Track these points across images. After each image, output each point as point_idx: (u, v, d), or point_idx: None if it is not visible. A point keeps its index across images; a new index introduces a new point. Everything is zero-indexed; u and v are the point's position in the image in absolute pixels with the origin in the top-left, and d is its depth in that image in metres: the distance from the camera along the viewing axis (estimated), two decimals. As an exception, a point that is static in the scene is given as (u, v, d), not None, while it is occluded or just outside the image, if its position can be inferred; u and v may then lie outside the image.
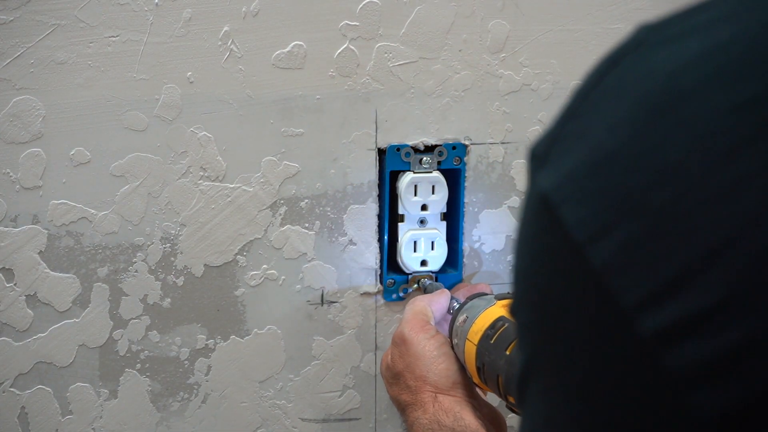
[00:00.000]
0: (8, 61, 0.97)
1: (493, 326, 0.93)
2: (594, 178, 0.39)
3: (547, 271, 0.41)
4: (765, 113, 0.36)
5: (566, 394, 0.41)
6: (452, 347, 0.99)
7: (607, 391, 0.39)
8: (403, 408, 0.98)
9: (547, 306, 0.41)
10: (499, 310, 0.95)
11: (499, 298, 0.97)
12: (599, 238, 0.38)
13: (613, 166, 0.39)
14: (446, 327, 1.02)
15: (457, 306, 1.01)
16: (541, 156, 0.42)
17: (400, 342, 0.99)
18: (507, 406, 0.91)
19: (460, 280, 1.13)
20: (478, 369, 0.93)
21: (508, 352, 0.89)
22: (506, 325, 0.92)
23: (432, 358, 0.97)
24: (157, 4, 0.99)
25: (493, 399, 1.00)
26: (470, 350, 0.94)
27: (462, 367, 0.98)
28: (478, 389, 0.98)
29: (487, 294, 1.01)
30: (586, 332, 0.39)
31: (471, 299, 1.00)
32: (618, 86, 0.40)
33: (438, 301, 1.03)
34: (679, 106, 0.38)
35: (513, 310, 0.45)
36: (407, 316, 1.01)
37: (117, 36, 0.99)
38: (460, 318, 0.98)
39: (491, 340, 0.92)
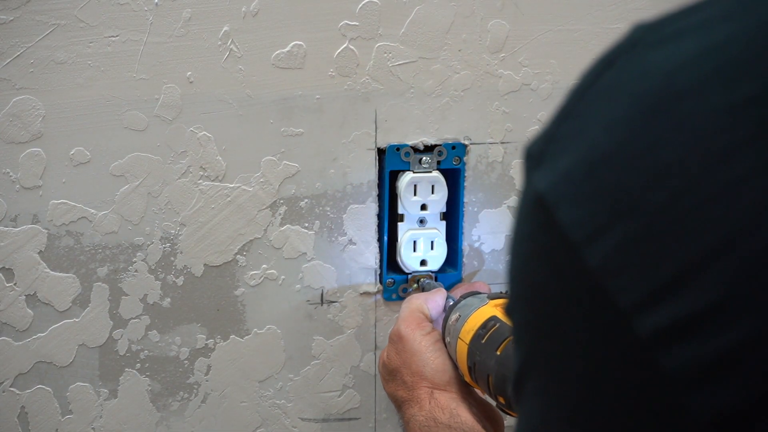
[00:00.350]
0: (8, 61, 0.97)
1: (485, 326, 0.93)
2: (590, 179, 0.39)
3: (542, 272, 0.41)
4: (762, 113, 0.36)
5: (562, 393, 0.41)
6: (445, 345, 0.99)
7: (603, 391, 0.39)
8: (399, 404, 0.99)
9: (543, 306, 0.41)
10: (491, 309, 0.95)
11: (492, 297, 0.97)
12: (595, 239, 0.38)
13: (610, 166, 0.39)
14: (441, 324, 1.02)
15: (453, 303, 1.01)
16: (536, 156, 0.42)
17: (396, 339, 0.99)
18: (497, 406, 0.91)
19: (460, 280, 1.13)
20: (469, 368, 0.93)
21: (498, 352, 0.89)
22: (497, 324, 0.92)
23: (428, 354, 0.97)
24: (157, 4, 0.99)
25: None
26: (462, 349, 0.94)
27: None
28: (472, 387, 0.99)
29: (481, 293, 1.01)
30: (583, 332, 0.39)
31: (464, 298, 1.00)
32: (614, 86, 0.40)
33: (434, 300, 1.03)
34: (676, 106, 0.38)
35: (509, 309, 0.44)
36: (403, 313, 1.02)
37: (117, 36, 0.99)
38: (453, 317, 0.98)
39: (482, 339, 0.92)
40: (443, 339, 0.99)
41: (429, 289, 1.08)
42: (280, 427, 1.12)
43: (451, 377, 0.97)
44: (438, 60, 1.07)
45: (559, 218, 0.39)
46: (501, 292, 1.00)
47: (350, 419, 1.14)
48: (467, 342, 0.93)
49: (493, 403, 0.92)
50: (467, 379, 0.95)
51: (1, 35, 0.96)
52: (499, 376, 0.88)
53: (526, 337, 0.43)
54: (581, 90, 0.42)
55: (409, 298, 1.05)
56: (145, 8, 0.99)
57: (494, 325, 0.92)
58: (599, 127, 0.39)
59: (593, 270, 0.38)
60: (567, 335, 0.40)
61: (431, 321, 1.02)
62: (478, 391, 0.98)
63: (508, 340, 0.89)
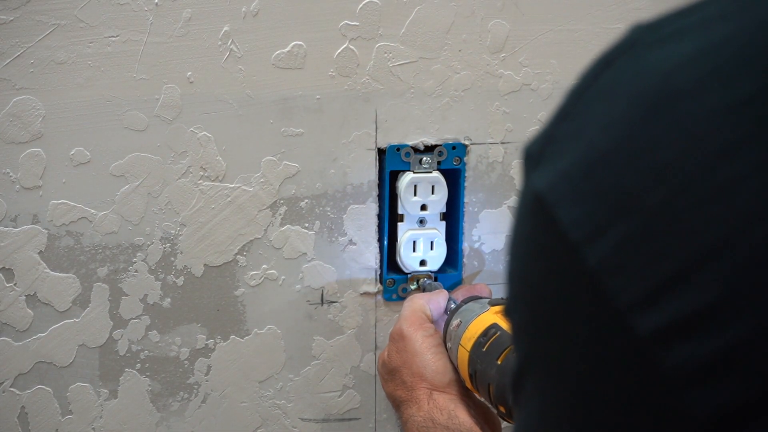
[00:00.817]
0: (8, 61, 0.97)
1: (486, 333, 0.92)
2: (589, 178, 0.39)
3: (541, 271, 0.41)
4: (759, 113, 0.36)
5: (561, 392, 0.41)
6: (446, 350, 0.99)
7: (602, 390, 0.39)
8: (398, 404, 0.99)
9: (542, 305, 0.41)
10: (491, 316, 0.94)
11: (493, 303, 0.97)
12: (594, 238, 0.38)
13: (608, 166, 0.39)
14: (443, 327, 1.02)
15: (454, 307, 1.01)
16: (535, 156, 0.42)
17: (398, 338, 0.99)
18: (498, 415, 0.91)
19: (460, 280, 1.13)
20: (471, 376, 0.93)
21: (499, 362, 0.89)
22: (498, 333, 0.91)
23: (429, 355, 0.97)
24: (157, 4, 0.99)
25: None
26: (463, 356, 0.94)
27: None
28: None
29: (482, 297, 1.01)
30: (582, 332, 0.39)
31: (466, 302, 0.99)
32: (612, 86, 0.40)
33: (436, 300, 1.03)
34: (674, 106, 0.38)
35: (508, 310, 0.45)
36: (405, 313, 1.01)
37: (117, 36, 0.99)
38: (454, 322, 0.97)
39: (483, 347, 0.91)
40: (444, 343, 0.99)
41: (429, 290, 1.08)
42: (280, 427, 1.12)
43: (451, 379, 0.97)
44: (438, 60, 1.07)
45: (558, 218, 0.39)
46: (502, 298, 0.99)
47: (350, 419, 1.14)
48: (468, 349, 0.93)
49: (494, 411, 0.92)
50: (468, 385, 0.95)
51: (1, 35, 0.96)
52: (500, 386, 0.88)
53: (525, 337, 0.43)
54: (579, 90, 0.42)
55: (411, 297, 1.05)
56: (145, 8, 0.99)
57: (495, 333, 0.92)
58: (597, 128, 0.40)
59: (592, 269, 0.38)
60: (566, 335, 0.40)
61: (433, 322, 1.02)
62: (479, 397, 0.98)
63: (508, 349, 0.89)
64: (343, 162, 1.07)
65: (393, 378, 0.99)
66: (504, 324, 0.92)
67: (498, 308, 0.96)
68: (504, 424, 1.00)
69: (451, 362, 0.97)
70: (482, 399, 0.95)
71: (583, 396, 0.40)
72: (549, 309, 0.40)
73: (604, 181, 0.39)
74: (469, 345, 0.93)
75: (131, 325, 1.06)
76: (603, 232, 0.38)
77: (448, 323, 0.99)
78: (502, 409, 0.88)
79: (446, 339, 0.98)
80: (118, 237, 1.04)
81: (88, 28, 0.98)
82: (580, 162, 0.40)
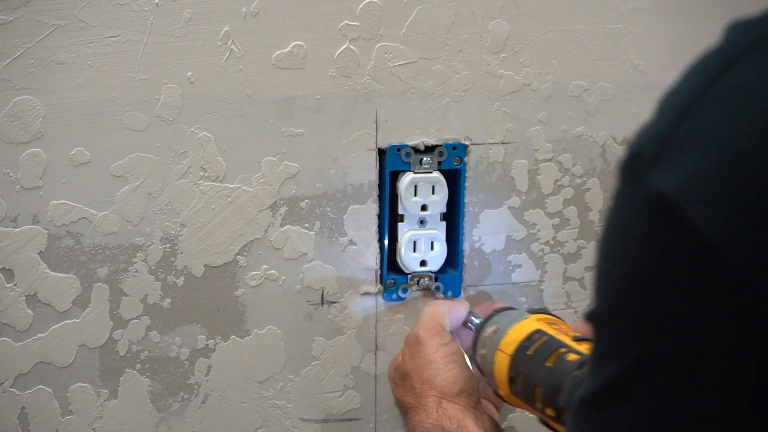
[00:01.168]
0: (8, 61, 0.97)
1: (530, 338, 0.92)
2: (726, 177, 0.38)
3: (669, 272, 0.40)
4: None
5: (705, 392, 0.40)
6: (474, 358, 0.98)
7: (757, 386, 0.38)
8: (405, 410, 0.98)
9: (670, 306, 0.40)
10: (534, 323, 0.94)
11: (533, 312, 0.97)
12: (740, 237, 0.37)
13: (748, 163, 0.38)
14: (461, 338, 1.02)
15: (479, 321, 1.00)
16: (648, 156, 0.41)
17: (413, 342, 0.99)
18: (541, 419, 0.90)
19: (460, 280, 1.13)
20: (511, 380, 0.92)
21: (549, 364, 0.88)
22: (545, 338, 0.91)
23: (442, 364, 0.97)
24: (157, 4, 0.99)
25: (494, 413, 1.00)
26: (502, 361, 0.94)
27: (471, 377, 0.97)
28: (504, 403, 0.98)
29: (514, 308, 1.01)
30: (731, 329, 0.38)
31: (498, 312, 0.99)
32: (744, 84, 0.39)
33: (457, 310, 1.02)
34: None
35: (602, 314, 0.43)
36: (425, 317, 1.01)
37: (117, 36, 0.99)
38: (489, 329, 0.97)
39: (528, 351, 0.91)
40: (475, 351, 0.98)
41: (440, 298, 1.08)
42: (280, 427, 1.12)
43: (462, 389, 0.96)
44: (439, 60, 1.07)
45: (690, 218, 0.38)
46: (541, 309, 1.00)
47: (351, 420, 1.14)
48: (509, 354, 0.93)
49: (537, 415, 0.91)
50: (503, 391, 0.94)
51: (1, 35, 0.96)
52: (551, 387, 0.87)
53: (638, 339, 0.42)
54: (699, 89, 0.41)
55: (432, 303, 1.05)
56: (145, 8, 0.99)
57: (540, 337, 0.92)
58: (733, 126, 0.39)
59: (740, 268, 0.37)
60: (710, 333, 0.39)
61: (450, 331, 1.01)
62: (511, 404, 0.97)
63: (558, 352, 0.88)
64: (343, 162, 1.07)
65: (404, 383, 0.99)
66: (551, 330, 0.92)
67: (539, 316, 0.96)
68: None
69: (465, 372, 0.97)
70: (516, 404, 0.94)
71: (735, 392, 0.39)
72: (685, 309, 0.39)
73: (744, 179, 0.38)
74: (510, 349, 0.93)
75: (131, 326, 1.06)
76: (750, 230, 0.37)
77: (479, 331, 0.98)
78: (549, 411, 0.88)
79: (478, 346, 0.98)
80: (118, 237, 1.04)
81: (88, 28, 0.98)
82: (714, 161, 0.39)
